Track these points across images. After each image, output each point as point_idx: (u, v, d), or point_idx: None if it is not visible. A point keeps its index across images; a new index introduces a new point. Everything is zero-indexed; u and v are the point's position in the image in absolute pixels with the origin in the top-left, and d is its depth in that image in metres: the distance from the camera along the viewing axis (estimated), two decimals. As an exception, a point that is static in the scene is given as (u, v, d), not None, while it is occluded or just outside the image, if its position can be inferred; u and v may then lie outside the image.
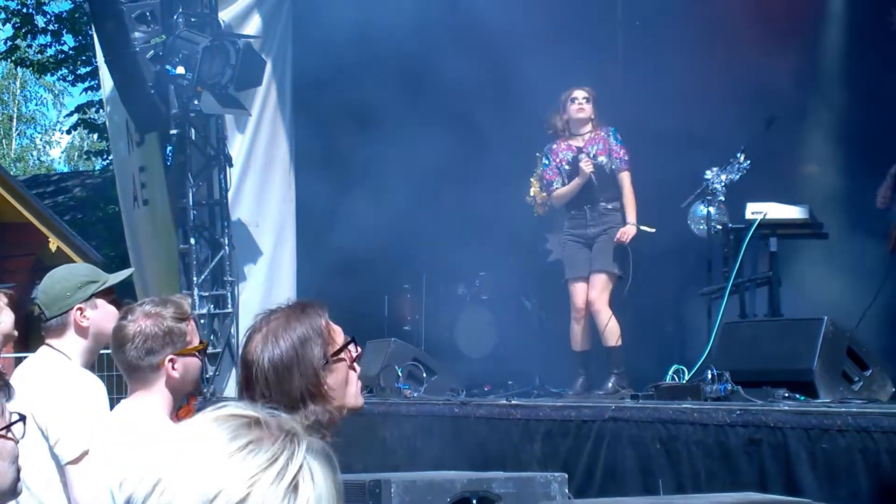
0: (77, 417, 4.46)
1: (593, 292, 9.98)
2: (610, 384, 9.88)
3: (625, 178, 9.99)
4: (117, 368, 4.12)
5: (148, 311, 4.03)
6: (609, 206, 10.03)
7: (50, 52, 25.43)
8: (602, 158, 10.03)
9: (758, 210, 9.19)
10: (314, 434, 1.60)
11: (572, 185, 10.02)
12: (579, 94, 10.07)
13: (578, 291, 10.11)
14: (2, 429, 2.33)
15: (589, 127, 10.09)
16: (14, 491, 2.40)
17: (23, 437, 2.38)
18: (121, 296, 5.05)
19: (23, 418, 2.38)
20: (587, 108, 10.06)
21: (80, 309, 4.78)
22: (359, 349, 3.32)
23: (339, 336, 3.25)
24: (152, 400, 3.96)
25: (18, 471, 2.39)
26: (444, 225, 12.25)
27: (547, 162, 10.23)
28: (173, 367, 3.98)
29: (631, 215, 9.92)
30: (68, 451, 4.43)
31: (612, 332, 9.92)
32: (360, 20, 11.92)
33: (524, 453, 8.45)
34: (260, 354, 3.13)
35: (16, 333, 5.59)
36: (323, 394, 3.16)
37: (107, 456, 3.85)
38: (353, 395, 3.27)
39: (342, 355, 3.24)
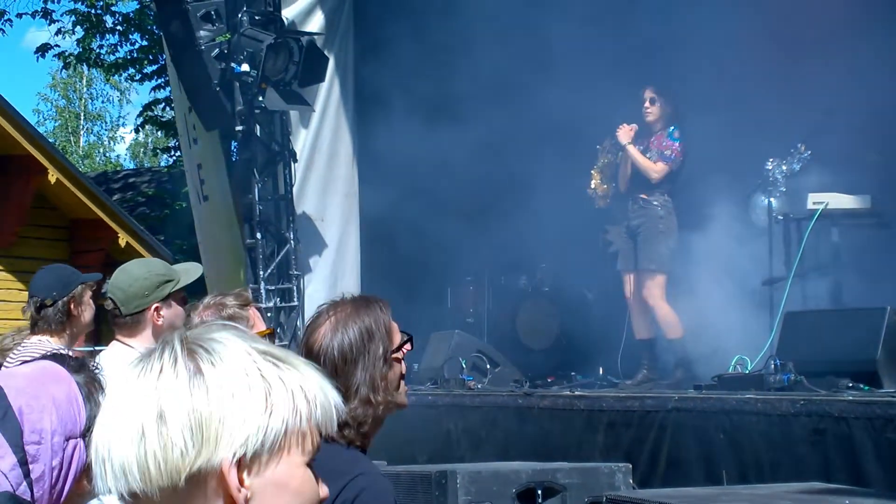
0: None
1: (643, 289, 10.08)
2: (677, 374, 9.93)
3: (660, 164, 10.07)
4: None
5: (208, 303, 4.15)
6: (648, 199, 10.11)
7: (120, 52, 25.71)
8: (652, 153, 10.12)
9: (819, 200, 9.18)
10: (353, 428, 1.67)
11: (621, 164, 10.22)
12: (646, 95, 10.17)
13: (625, 282, 10.35)
14: None
15: (659, 125, 10.17)
16: None
17: None
18: (189, 288, 5.15)
19: None
20: (653, 109, 10.15)
21: (157, 308, 4.88)
22: (412, 346, 3.40)
23: (397, 334, 3.33)
24: None
25: None
26: (506, 217, 12.29)
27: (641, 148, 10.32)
28: None
29: (632, 148, 10.12)
30: None
31: (668, 324, 9.97)
32: (421, 13, 12.01)
33: (587, 444, 8.50)
34: (329, 342, 3.22)
35: (92, 326, 5.70)
36: (380, 387, 3.24)
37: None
38: (403, 392, 3.35)
39: (399, 353, 3.32)
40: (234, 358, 1.61)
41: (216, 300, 4.24)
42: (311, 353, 3.24)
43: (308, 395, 1.62)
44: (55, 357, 2.37)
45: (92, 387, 2.29)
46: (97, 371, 2.39)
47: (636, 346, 10.41)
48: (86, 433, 2.20)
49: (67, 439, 2.16)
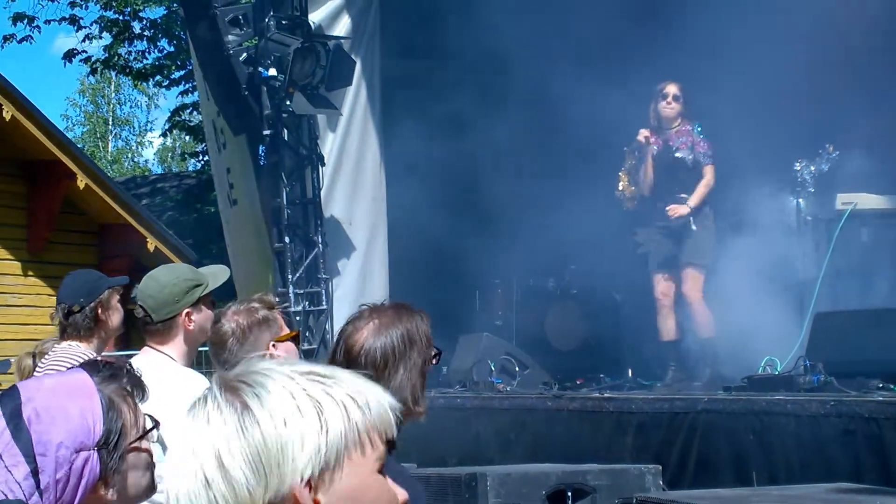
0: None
1: (685, 285, 10.04)
2: (706, 374, 9.89)
3: (708, 170, 10.05)
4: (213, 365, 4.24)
5: (237, 309, 4.17)
6: (687, 198, 10.09)
7: (149, 59, 25.82)
8: (684, 152, 10.09)
9: (848, 200, 9.16)
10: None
11: (644, 165, 10.17)
12: (670, 90, 10.13)
13: (661, 282, 10.22)
14: (136, 440, 2.27)
15: (677, 122, 10.15)
16: (148, 493, 2.34)
17: (157, 441, 2.32)
18: (216, 294, 5.17)
19: (157, 424, 2.33)
20: (675, 106, 10.13)
21: (188, 314, 4.90)
22: (438, 361, 3.42)
23: (430, 347, 3.34)
24: None
25: (153, 474, 2.32)
26: (535, 219, 12.30)
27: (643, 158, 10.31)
28: (277, 354, 4.11)
29: (693, 199, 10.00)
30: None
31: (703, 323, 9.95)
32: (447, 18, 12.02)
33: (617, 445, 8.49)
34: (372, 343, 3.22)
35: (122, 329, 5.72)
36: (418, 394, 3.26)
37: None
38: (424, 403, 3.34)
39: (429, 366, 3.33)
40: (279, 385, 1.61)
41: (245, 306, 4.25)
42: (350, 354, 3.24)
43: (360, 403, 1.62)
44: (88, 365, 2.36)
45: (121, 397, 2.28)
46: (136, 379, 2.37)
47: (663, 348, 10.38)
48: (101, 445, 2.19)
49: (78, 451, 2.16)
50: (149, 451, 2.30)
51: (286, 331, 4.30)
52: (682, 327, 10.17)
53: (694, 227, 9.98)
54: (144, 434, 2.29)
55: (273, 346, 4.13)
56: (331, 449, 1.58)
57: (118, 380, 2.31)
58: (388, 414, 1.66)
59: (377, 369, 3.16)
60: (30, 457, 2.14)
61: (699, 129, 10.09)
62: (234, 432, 1.57)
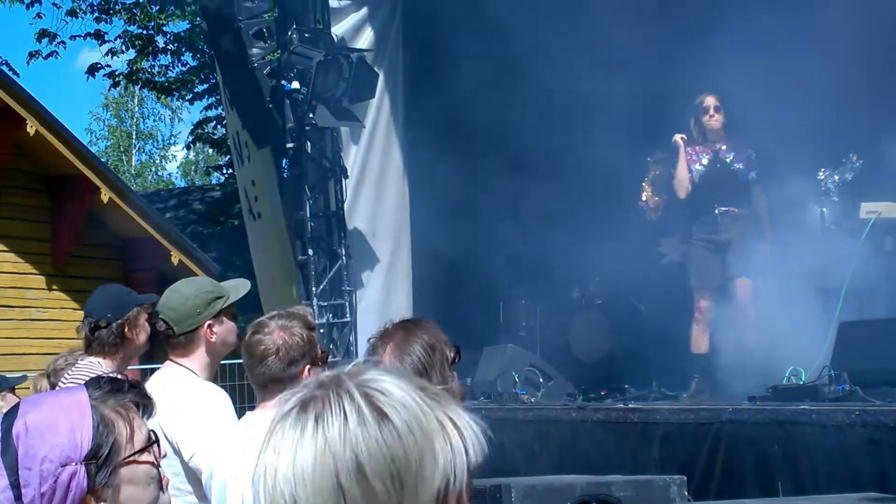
0: (210, 431, 4.57)
1: (747, 297, 9.98)
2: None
3: (759, 189, 10.07)
4: (236, 378, 4.23)
5: (282, 325, 4.14)
6: (740, 212, 10.05)
7: (173, 73, 25.92)
8: (739, 165, 10.05)
9: (872, 209, 9.13)
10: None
11: (678, 167, 10.13)
12: (710, 102, 10.09)
13: (703, 297, 10.15)
14: (131, 454, 2.28)
15: (723, 133, 10.11)
16: None
17: (162, 456, 2.35)
18: (241, 306, 5.18)
19: (157, 440, 2.35)
20: (718, 117, 10.07)
21: (210, 326, 4.91)
22: (460, 358, 3.48)
23: (449, 346, 3.42)
24: None
25: (159, 490, 2.34)
26: (558, 230, 12.30)
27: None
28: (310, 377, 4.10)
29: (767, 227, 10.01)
30: (206, 463, 4.53)
31: (753, 327, 9.88)
32: (470, 30, 12.04)
33: (642, 456, 8.48)
34: (398, 363, 3.28)
35: (146, 347, 5.73)
36: (455, 392, 3.31)
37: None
38: (461, 399, 3.44)
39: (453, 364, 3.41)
40: (408, 398, 1.58)
41: (288, 323, 4.21)
42: None
43: (473, 429, 1.61)
44: (91, 382, 2.42)
45: (117, 413, 2.33)
46: (141, 395, 2.41)
47: (691, 359, 10.35)
48: (90, 459, 2.22)
49: (63, 465, 2.21)
50: (151, 464, 2.31)
51: (319, 352, 4.29)
52: (711, 339, 10.12)
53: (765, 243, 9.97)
54: (143, 449, 2.30)
55: (309, 369, 4.11)
56: (457, 468, 1.55)
57: (118, 395, 2.35)
58: (483, 445, 1.63)
59: None
60: (11, 469, 2.19)
61: (752, 150, 10.10)
62: (376, 439, 1.53)
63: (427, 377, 3.26)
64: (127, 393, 2.36)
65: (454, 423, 1.58)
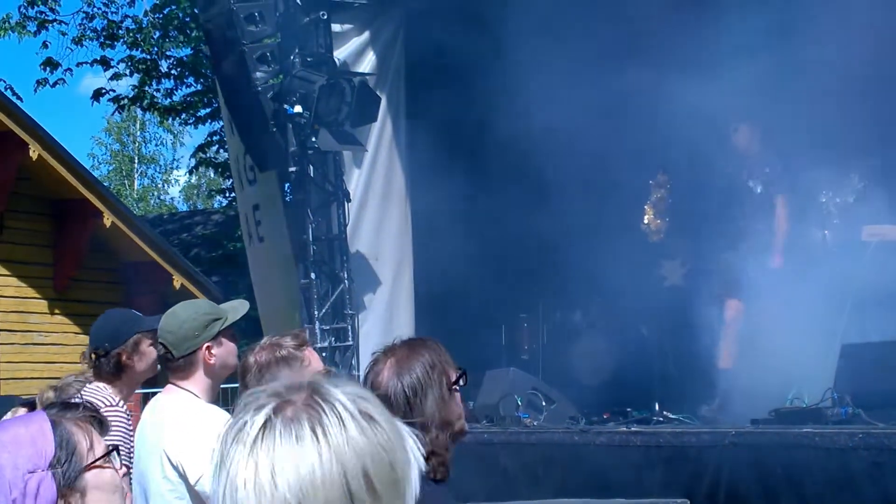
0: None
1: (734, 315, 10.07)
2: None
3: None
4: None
5: (264, 344, 4.18)
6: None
7: (177, 96, 25.99)
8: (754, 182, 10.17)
9: (874, 231, 9.13)
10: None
11: None
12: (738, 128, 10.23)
13: (731, 307, 10.30)
14: (96, 459, 2.38)
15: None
16: None
17: (120, 469, 2.44)
18: (243, 330, 5.18)
19: (116, 449, 2.44)
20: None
21: (208, 347, 4.91)
22: (466, 381, 3.53)
23: (454, 367, 3.47)
24: None
25: (125, 501, 2.45)
26: (560, 253, 12.30)
27: None
28: None
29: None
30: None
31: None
32: (473, 55, 12.06)
33: (645, 480, 8.47)
34: (397, 381, 3.34)
35: (155, 371, 5.71)
36: (447, 418, 3.37)
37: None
38: (464, 420, 3.49)
39: (457, 385, 3.45)
40: (379, 403, 1.63)
41: (273, 340, 4.27)
42: (378, 398, 3.30)
43: (414, 439, 1.66)
44: (47, 406, 2.59)
45: (75, 424, 2.45)
46: (92, 412, 2.49)
47: (690, 381, 10.34)
48: (54, 466, 2.32)
49: (31, 472, 2.33)
50: (115, 471, 2.41)
51: (313, 368, 4.29)
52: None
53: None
54: (104, 456, 2.40)
55: None
56: (416, 479, 1.61)
57: (73, 411, 2.47)
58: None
59: (409, 402, 3.27)
60: None
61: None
62: (377, 445, 1.57)
63: (423, 396, 3.32)
64: (81, 411, 2.50)
65: (413, 444, 1.64)
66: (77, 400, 2.77)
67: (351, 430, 1.56)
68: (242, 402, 1.63)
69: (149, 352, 5.55)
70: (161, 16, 24.55)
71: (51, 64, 24.93)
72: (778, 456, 7.58)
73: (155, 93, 25.84)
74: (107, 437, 2.47)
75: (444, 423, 3.34)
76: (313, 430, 1.56)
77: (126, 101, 26.28)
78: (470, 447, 9.33)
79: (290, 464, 1.55)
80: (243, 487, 1.57)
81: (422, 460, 1.64)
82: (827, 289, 9.40)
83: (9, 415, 2.97)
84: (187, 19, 24.07)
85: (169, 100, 26.21)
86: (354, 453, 1.55)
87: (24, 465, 2.30)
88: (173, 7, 24.41)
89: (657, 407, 10.67)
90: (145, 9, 24.61)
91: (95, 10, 24.92)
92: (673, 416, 10.31)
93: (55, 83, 25.07)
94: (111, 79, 25.65)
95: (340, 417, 1.57)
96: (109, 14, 25.15)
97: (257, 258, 13.34)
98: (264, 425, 1.58)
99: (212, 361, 4.91)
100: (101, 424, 2.47)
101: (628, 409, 10.82)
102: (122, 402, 5.51)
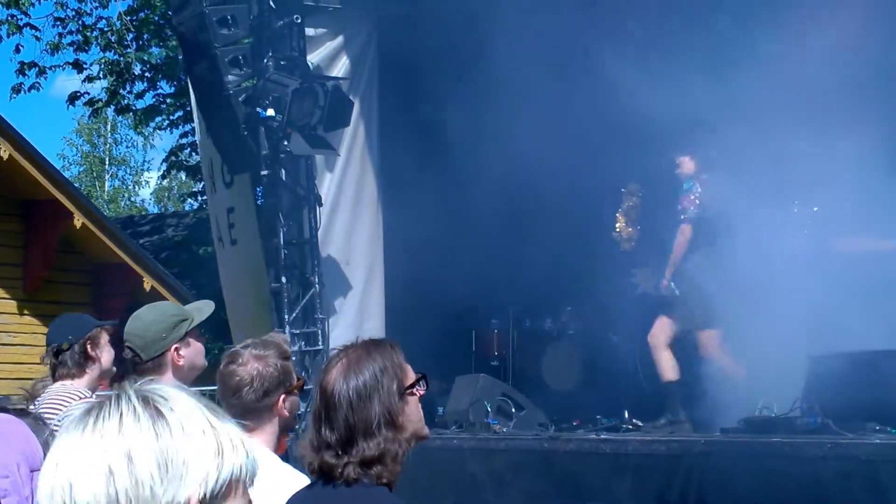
0: None
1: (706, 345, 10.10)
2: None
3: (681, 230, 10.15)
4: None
5: (257, 355, 4.11)
6: None
7: (148, 99, 25.85)
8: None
9: (843, 243, 9.17)
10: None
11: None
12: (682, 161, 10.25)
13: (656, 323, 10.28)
14: None
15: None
16: None
17: None
18: (211, 329, 5.16)
19: None
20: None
21: (176, 349, 4.89)
22: (427, 386, 3.52)
23: (410, 372, 3.46)
24: (262, 439, 4.02)
25: None
26: (531, 260, 12.30)
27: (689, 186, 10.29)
28: (285, 406, 4.10)
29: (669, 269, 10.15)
30: None
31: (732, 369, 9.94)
32: (446, 58, 12.06)
33: (615, 488, 8.47)
34: (343, 382, 3.35)
35: (114, 370, 5.70)
36: (398, 422, 3.36)
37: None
38: (422, 425, 3.47)
39: (414, 389, 3.44)
40: (187, 406, 1.72)
41: (263, 353, 4.17)
42: (325, 394, 3.40)
43: (247, 448, 1.75)
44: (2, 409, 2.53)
45: (37, 428, 2.43)
46: (39, 415, 2.51)
47: (663, 388, 10.35)
48: None
49: (32, 471, 2.29)
50: None
51: (295, 380, 4.27)
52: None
53: (677, 293, 10.02)
54: None
55: (283, 399, 4.09)
56: (222, 475, 1.69)
57: (27, 415, 2.47)
58: (257, 467, 1.78)
59: (352, 404, 3.28)
60: None
61: (688, 185, 10.14)
62: (149, 432, 1.67)
63: (367, 400, 3.32)
64: (25, 416, 2.48)
65: (230, 438, 1.73)
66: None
67: (126, 420, 1.67)
68: None
69: (108, 347, 5.56)
70: (135, 19, 24.42)
71: (29, 66, 24.78)
72: (747, 465, 7.60)
73: (127, 95, 25.69)
74: None
75: (397, 427, 3.33)
76: (94, 423, 1.69)
77: (100, 103, 26.14)
78: (439, 453, 9.32)
79: (68, 453, 1.68)
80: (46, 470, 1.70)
81: (240, 466, 1.72)
82: (796, 298, 9.43)
83: None
84: (162, 22, 23.95)
85: (141, 102, 26.08)
86: (122, 439, 1.66)
87: (26, 463, 2.29)
88: (147, 11, 24.30)
89: (626, 414, 10.68)
90: (119, 11, 24.46)
91: (68, 12, 24.76)
92: (642, 424, 10.25)
93: (30, 87, 24.93)
94: (84, 81, 25.53)
95: (121, 411, 1.69)
96: (83, 18, 25.01)
97: (228, 261, 13.30)
98: (66, 426, 1.71)
99: (181, 363, 4.89)
100: (46, 427, 2.50)
101: (598, 417, 10.83)
102: (94, 396, 5.47)
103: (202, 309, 5.09)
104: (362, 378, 3.34)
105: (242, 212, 12.93)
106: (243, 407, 4.05)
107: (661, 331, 10.11)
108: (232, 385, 4.06)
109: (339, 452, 3.29)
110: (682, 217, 10.06)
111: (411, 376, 3.44)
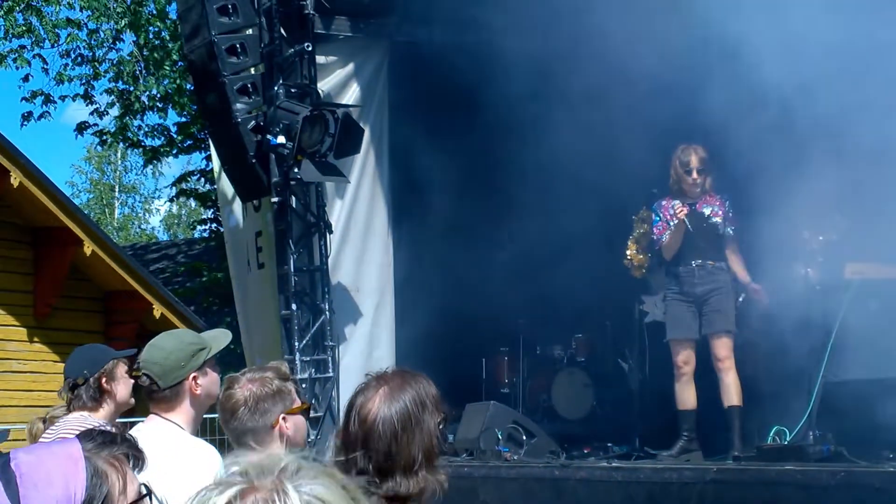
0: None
1: (722, 352, 9.90)
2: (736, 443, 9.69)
3: (734, 243, 10.07)
4: (217, 433, 4.22)
5: (251, 377, 4.16)
6: (717, 265, 10.04)
7: (160, 140, 25.87)
8: (717, 220, 10.06)
9: (857, 269, 9.14)
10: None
11: (673, 234, 10.05)
12: (693, 162, 10.09)
13: (682, 350, 10.07)
14: None
15: (699, 190, 10.14)
16: None
17: None
18: (224, 362, 5.14)
19: (150, 492, 2.36)
20: (700, 180, 10.10)
21: (194, 378, 4.88)
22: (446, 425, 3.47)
23: (439, 409, 3.40)
24: None
25: None
26: (541, 287, 12.30)
27: (657, 218, 10.25)
28: (286, 426, 4.10)
29: (746, 275, 10.00)
30: None
31: (735, 390, 9.79)
32: (456, 87, 12.07)
33: (626, 516, 8.44)
34: (386, 410, 3.27)
35: (132, 402, 5.68)
36: (434, 459, 3.29)
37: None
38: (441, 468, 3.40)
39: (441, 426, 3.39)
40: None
41: (259, 375, 4.23)
42: (366, 423, 3.29)
43: None
44: (84, 434, 2.42)
45: (110, 464, 2.34)
46: (132, 447, 2.41)
47: (679, 414, 10.29)
48: None
49: None
50: None
51: (298, 402, 4.28)
52: (700, 394, 10.06)
53: (740, 299, 9.95)
54: (135, 502, 2.31)
55: (283, 418, 4.12)
56: None
57: (111, 447, 2.36)
58: None
59: (396, 436, 3.20)
60: None
61: (728, 202, 10.11)
62: None
63: (411, 430, 3.26)
64: (120, 445, 2.36)
65: None
66: (115, 430, 2.60)
67: None
68: (226, 462, 1.73)
69: (125, 379, 5.54)
70: (146, 52, 24.48)
71: (38, 95, 24.87)
72: (759, 493, 7.56)
73: (137, 130, 25.68)
74: None
75: (431, 467, 3.28)
76: None
77: (108, 135, 26.19)
78: (450, 481, 9.29)
79: None
80: None
81: None
82: (809, 326, 9.40)
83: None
84: (168, 49, 24.01)
85: (152, 141, 26.10)
86: None
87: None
88: (156, 41, 24.35)
89: (638, 442, 10.64)
90: (133, 50, 24.54)
91: (80, 44, 24.82)
92: (653, 452, 10.20)
93: (40, 116, 25.00)
94: (92, 114, 25.61)
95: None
96: (94, 50, 25.09)
97: (251, 286, 13.28)
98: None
99: (198, 392, 4.88)
100: (138, 460, 2.38)
101: (609, 444, 10.79)
102: (112, 428, 5.46)
103: (219, 338, 5.09)
104: (405, 408, 3.28)
105: (268, 236, 12.92)
106: (241, 430, 4.07)
107: (732, 349, 9.95)
108: (228, 408, 4.10)
109: (376, 481, 3.24)
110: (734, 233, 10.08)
111: (441, 413, 3.39)
